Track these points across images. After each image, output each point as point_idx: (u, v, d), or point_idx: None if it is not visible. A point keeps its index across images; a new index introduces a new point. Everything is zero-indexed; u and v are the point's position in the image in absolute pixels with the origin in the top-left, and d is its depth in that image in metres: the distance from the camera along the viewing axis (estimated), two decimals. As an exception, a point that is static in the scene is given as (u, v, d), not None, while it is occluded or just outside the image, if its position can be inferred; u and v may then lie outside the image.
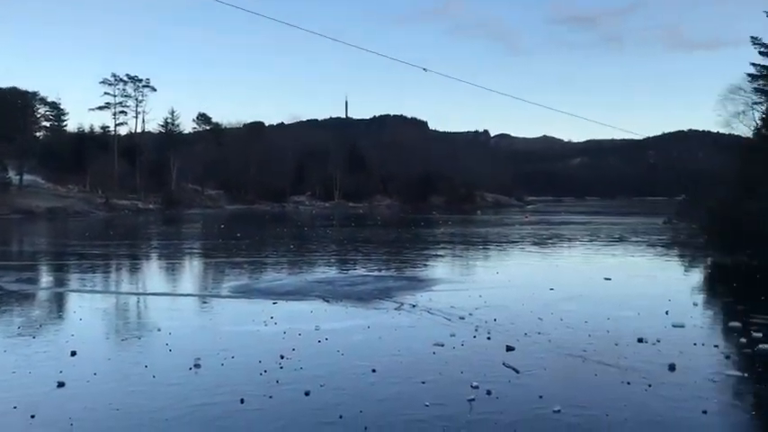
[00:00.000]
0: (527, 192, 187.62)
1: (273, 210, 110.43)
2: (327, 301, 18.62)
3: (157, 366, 11.60)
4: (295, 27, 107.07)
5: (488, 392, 10.12)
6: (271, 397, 9.94)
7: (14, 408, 9.32)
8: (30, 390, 10.19)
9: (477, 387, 10.33)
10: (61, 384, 10.47)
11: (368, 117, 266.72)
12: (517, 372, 11.31)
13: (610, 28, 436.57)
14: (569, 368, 11.66)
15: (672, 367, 11.57)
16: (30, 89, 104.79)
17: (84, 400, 9.76)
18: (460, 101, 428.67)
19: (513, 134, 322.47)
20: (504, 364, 11.76)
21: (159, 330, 14.61)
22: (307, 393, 10.08)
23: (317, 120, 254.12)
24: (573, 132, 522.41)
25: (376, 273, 25.89)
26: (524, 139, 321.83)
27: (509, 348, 12.87)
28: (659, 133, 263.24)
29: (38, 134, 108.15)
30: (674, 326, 15.26)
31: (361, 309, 17.66)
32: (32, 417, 8.97)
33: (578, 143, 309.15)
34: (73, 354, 12.41)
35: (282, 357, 12.12)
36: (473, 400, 9.80)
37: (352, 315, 16.74)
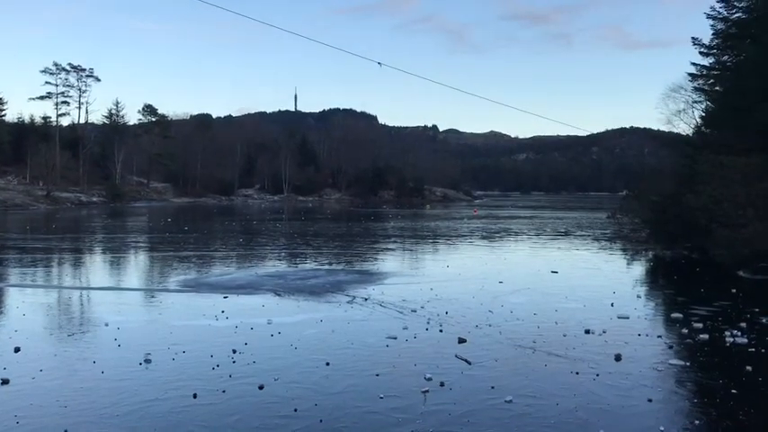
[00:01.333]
0: (475, 186, 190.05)
1: (221, 203, 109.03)
2: (279, 295, 18.52)
3: (106, 362, 11.35)
4: (244, 17, 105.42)
5: (441, 384, 10.26)
6: (224, 391, 9.85)
7: (-44, 406, 9.02)
8: (-29, 388, 9.87)
9: (430, 379, 10.45)
10: (5, 381, 10.16)
11: (317, 110, 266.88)
12: (469, 363, 11.49)
13: (558, 26, 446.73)
14: (520, 359, 11.89)
15: (618, 357, 11.93)
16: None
17: (30, 397, 9.50)
18: (410, 95, 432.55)
19: (461, 129, 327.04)
20: (456, 356, 11.93)
21: (107, 325, 14.29)
22: (260, 387, 10.03)
23: (265, 112, 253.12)
24: (519, 128, 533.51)
25: (327, 266, 25.86)
26: (472, 134, 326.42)
27: (461, 340, 13.06)
28: (603, 130, 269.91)
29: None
30: (619, 317, 15.72)
31: (313, 302, 17.62)
32: (-25, 415, 8.70)
33: (524, 139, 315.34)
34: (17, 350, 12.04)
35: (235, 352, 12.03)
36: (427, 391, 9.92)
37: (304, 309, 16.69)
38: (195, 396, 9.59)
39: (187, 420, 8.72)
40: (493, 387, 10.17)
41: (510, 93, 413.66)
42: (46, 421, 8.63)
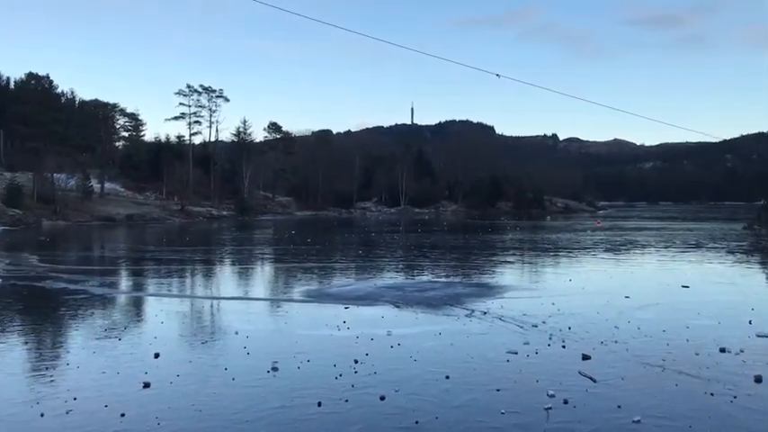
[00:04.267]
0: (598, 196, 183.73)
1: (341, 216, 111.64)
2: (398, 307, 18.71)
3: (236, 369, 11.93)
4: (362, 35, 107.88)
5: (565, 401, 10.00)
6: (347, 401, 10.09)
7: (105, 406, 9.78)
8: (118, 389, 10.67)
9: (553, 396, 10.21)
10: (147, 385, 10.90)
11: (433, 123, 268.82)
12: (594, 381, 11.12)
13: (691, 27, 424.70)
14: (648, 378, 11.37)
15: (758, 379, 11.15)
16: (110, 101, 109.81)
17: (169, 401, 10.14)
18: (528, 105, 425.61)
19: (582, 138, 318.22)
20: (580, 372, 11.59)
21: (236, 333, 15.02)
22: (382, 398, 10.18)
23: (382, 126, 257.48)
24: (646, 135, 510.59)
25: (444, 279, 25.85)
26: (595, 142, 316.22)
27: (585, 357, 12.67)
28: (737, 135, 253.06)
29: (118, 144, 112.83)
30: (758, 336, 14.68)
31: (431, 315, 17.68)
32: (122, 415, 9.40)
33: (651, 146, 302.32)
34: (156, 356, 12.89)
35: (356, 362, 12.29)
36: (550, 408, 9.70)
37: (422, 321, 16.78)
38: (320, 404, 9.88)
39: (312, 428, 9.00)
40: (619, 406, 9.79)
41: (636, 99, 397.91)
42: (183, 424, 9.19)
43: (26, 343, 14.63)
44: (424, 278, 25.99)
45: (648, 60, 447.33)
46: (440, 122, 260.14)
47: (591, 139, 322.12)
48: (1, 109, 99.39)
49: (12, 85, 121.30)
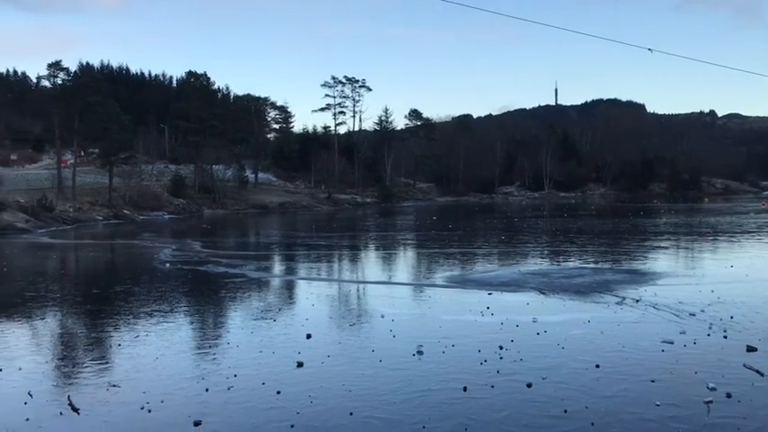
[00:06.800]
0: (762, 176, 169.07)
1: (482, 201, 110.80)
2: (543, 294, 18.31)
3: (383, 351, 12.23)
4: (502, 15, 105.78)
5: (728, 395, 9.35)
6: (492, 387, 10.04)
7: (263, 384, 10.39)
8: (274, 368, 11.28)
9: (714, 389, 9.59)
10: (300, 364, 11.44)
11: (579, 103, 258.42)
12: (762, 374, 10.31)
13: None
14: (826, 374, 10.37)
15: None
16: (261, 95, 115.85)
17: (321, 380, 10.59)
18: (683, 80, 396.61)
19: (744, 113, 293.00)
20: (744, 365, 10.78)
21: (382, 317, 15.37)
22: (528, 385, 10.03)
23: (525, 109, 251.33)
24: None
25: (593, 265, 24.93)
26: (758, 117, 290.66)
27: (750, 349, 11.77)
28: None
29: (269, 136, 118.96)
30: None
31: (579, 302, 17.14)
32: (278, 393, 9.94)
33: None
34: (308, 337, 13.49)
35: (501, 348, 12.18)
36: (710, 402, 9.12)
37: (570, 308, 16.31)
38: (465, 389, 9.91)
39: (458, 413, 9.06)
40: (792, 403, 9.03)
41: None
42: (334, 403, 9.57)
43: (191, 323, 15.85)
44: (571, 264, 25.22)
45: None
46: (585, 102, 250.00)
47: (754, 114, 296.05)
48: (166, 106, 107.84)
49: (174, 83, 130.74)
